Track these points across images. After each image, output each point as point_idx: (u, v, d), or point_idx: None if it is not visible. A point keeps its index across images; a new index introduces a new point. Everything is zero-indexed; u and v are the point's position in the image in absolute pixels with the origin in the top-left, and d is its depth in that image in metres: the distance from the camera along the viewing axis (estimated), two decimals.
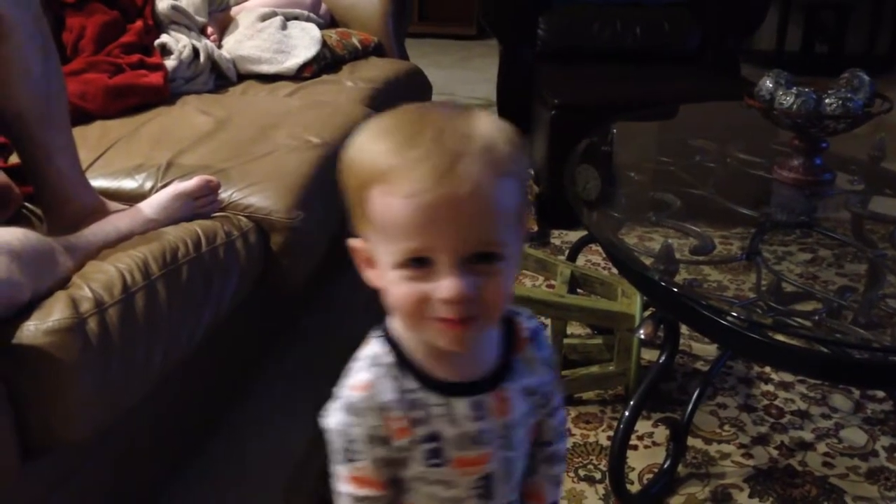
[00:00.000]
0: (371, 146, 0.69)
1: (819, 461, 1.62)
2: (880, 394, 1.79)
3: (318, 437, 1.67)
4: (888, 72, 4.63)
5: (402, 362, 0.76)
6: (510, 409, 0.78)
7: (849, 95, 1.67)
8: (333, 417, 0.77)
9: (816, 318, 1.53)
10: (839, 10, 4.71)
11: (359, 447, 0.75)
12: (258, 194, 1.60)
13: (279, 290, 1.70)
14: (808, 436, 1.69)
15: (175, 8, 2.27)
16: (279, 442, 1.68)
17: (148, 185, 1.63)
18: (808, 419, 1.74)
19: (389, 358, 0.76)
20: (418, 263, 0.68)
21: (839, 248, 1.94)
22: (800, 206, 1.80)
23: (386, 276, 0.71)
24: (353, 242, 0.75)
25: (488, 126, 0.70)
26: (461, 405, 0.76)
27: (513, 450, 0.80)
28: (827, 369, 1.41)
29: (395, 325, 0.78)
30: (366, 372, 0.76)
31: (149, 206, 1.47)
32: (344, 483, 0.77)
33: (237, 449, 1.65)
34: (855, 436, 1.70)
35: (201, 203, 1.52)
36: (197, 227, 1.46)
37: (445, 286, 0.67)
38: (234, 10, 2.49)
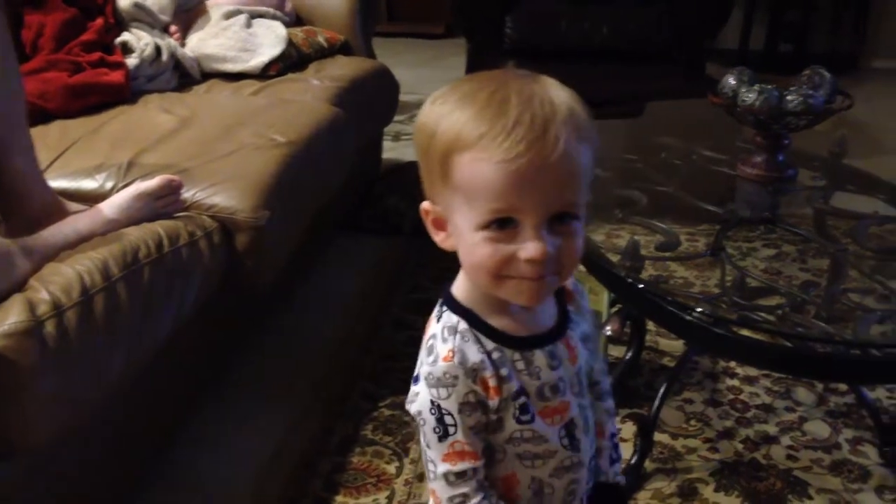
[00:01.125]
0: (457, 113, 0.71)
1: (783, 454, 1.64)
2: (843, 387, 1.81)
3: (287, 438, 1.66)
4: (851, 70, 4.69)
5: (477, 326, 0.78)
6: (577, 355, 0.83)
7: (810, 92, 1.69)
8: (423, 396, 0.77)
9: (780, 312, 1.54)
10: (803, 9, 4.76)
11: (454, 419, 0.76)
12: (222, 194, 1.59)
13: (245, 290, 1.69)
14: (772, 429, 1.71)
15: (137, 5, 2.24)
16: (247, 446, 1.66)
17: (109, 185, 1.61)
18: (773, 413, 1.76)
19: (463, 324, 0.78)
20: (503, 224, 0.71)
21: (802, 243, 1.95)
22: (763, 202, 1.82)
23: (467, 237, 0.74)
24: (425, 205, 0.78)
25: (566, 93, 0.74)
26: (538, 357, 0.79)
27: (584, 396, 0.84)
28: (790, 363, 1.43)
29: (459, 292, 0.80)
30: (447, 342, 0.77)
31: (109, 207, 1.44)
32: (440, 464, 0.77)
33: (205, 453, 1.64)
34: (818, 429, 1.72)
35: (163, 203, 1.50)
36: (159, 227, 1.44)
37: (531, 247, 0.70)
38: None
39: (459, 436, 0.76)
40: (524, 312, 0.79)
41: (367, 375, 1.87)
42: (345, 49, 2.60)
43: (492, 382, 0.76)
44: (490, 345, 0.77)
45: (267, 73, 2.28)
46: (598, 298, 1.81)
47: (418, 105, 3.04)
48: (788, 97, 1.68)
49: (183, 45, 2.32)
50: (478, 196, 0.71)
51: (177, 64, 2.23)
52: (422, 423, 0.77)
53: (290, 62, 2.35)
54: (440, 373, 0.76)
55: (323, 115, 2.02)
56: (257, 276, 1.64)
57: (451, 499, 0.77)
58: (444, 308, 0.80)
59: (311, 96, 2.15)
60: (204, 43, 2.32)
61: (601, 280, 1.61)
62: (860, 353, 1.45)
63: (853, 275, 1.68)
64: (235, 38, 2.31)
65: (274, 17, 2.50)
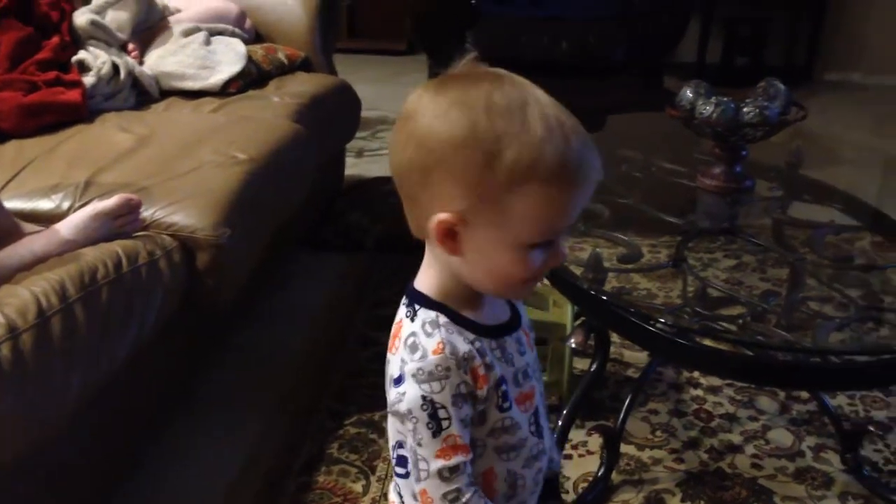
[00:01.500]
0: (524, 136, 0.71)
1: (748, 463, 1.65)
2: (805, 394, 1.84)
3: (251, 457, 1.64)
4: (805, 82, 4.79)
5: (454, 319, 0.79)
6: (532, 342, 0.88)
7: (765, 104, 1.72)
8: (412, 394, 0.76)
9: (741, 322, 1.56)
10: (757, 23, 4.86)
11: (448, 412, 0.75)
12: (182, 212, 1.57)
13: (206, 309, 1.67)
14: (736, 438, 1.72)
15: (94, 23, 2.22)
16: (212, 464, 1.64)
17: (65, 205, 1.58)
18: (736, 422, 1.77)
19: (443, 318, 0.78)
20: (547, 244, 0.75)
21: (762, 253, 1.98)
22: (722, 213, 1.84)
23: (501, 252, 0.74)
24: (446, 217, 0.74)
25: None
26: (510, 343, 0.82)
27: (540, 381, 0.87)
28: (752, 372, 1.44)
29: (430, 290, 0.80)
30: (432, 336, 0.77)
31: (66, 227, 1.42)
32: (434, 461, 0.76)
33: (171, 472, 1.61)
34: (781, 437, 1.73)
35: (121, 222, 1.48)
36: (117, 247, 1.42)
37: (562, 254, 0.76)
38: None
39: (453, 429, 0.76)
40: (488, 305, 0.82)
41: (331, 393, 1.85)
42: (305, 66, 2.60)
43: (481, 371, 0.78)
44: (471, 336, 0.79)
45: (227, 90, 2.27)
46: (562, 311, 1.82)
47: (380, 121, 3.06)
48: (745, 109, 1.70)
49: (141, 62, 2.29)
50: (540, 220, 0.73)
51: (135, 82, 2.20)
52: (413, 421, 0.76)
53: (250, 79, 2.34)
54: (432, 366, 0.75)
55: (284, 131, 2.01)
56: (218, 295, 1.62)
57: (444, 496, 0.76)
58: (418, 306, 0.80)
59: (271, 113, 2.14)
60: (163, 60, 2.29)
61: (565, 293, 1.61)
62: (820, 360, 1.47)
63: (811, 283, 1.70)
64: (195, 56, 2.29)
65: (233, 35, 2.48)
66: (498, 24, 3.11)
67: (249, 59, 2.36)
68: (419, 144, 0.73)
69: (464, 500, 0.76)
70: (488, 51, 3.06)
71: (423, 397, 0.75)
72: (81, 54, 2.15)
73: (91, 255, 1.37)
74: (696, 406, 1.82)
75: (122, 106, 2.13)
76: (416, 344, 0.77)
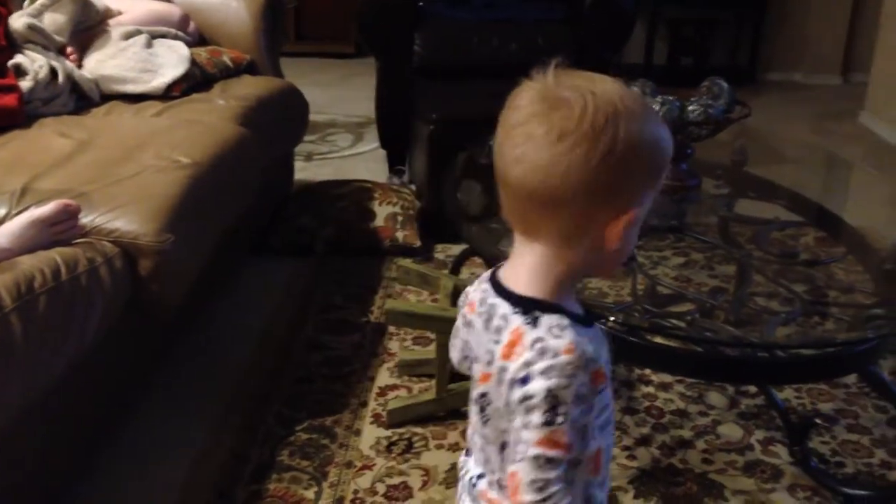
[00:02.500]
0: (660, 130, 0.79)
1: (699, 458, 1.66)
2: (753, 389, 1.86)
3: (200, 466, 1.61)
4: (749, 83, 4.88)
5: (571, 318, 0.79)
6: None
7: (710, 102, 1.74)
8: (539, 386, 0.75)
9: (690, 318, 1.57)
10: (702, 25, 4.94)
11: (566, 409, 0.76)
12: (123, 218, 1.53)
13: (151, 316, 1.63)
14: (687, 434, 1.74)
15: (31, 27, 2.15)
16: (159, 474, 1.60)
17: (1, 212, 1.53)
18: (687, 418, 1.79)
19: (565, 320, 0.79)
20: None
21: (710, 250, 2.01)
22: (670, 211, 1.86)
23: (635, 235, 0.81)
24: (632, 214, 0.78)
25: None
26: (601, 333, 0.84)
27: None
28: (702, 368, 1.46)
29: (543, 293, 0.80)
30: (561, 338, 0.77)
31: (1, 235, 1.38)
32: (534, 447, 0.76)
33: (117, 483, 1.57)
34: (731, 431, 1.75)
35: (60, 229, 1.44)
36: (56, 254, 1.38)
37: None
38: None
39: (565, 426, 0.75)
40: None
41: (281, 399, 1.83)
42: (251, 69, 2.56)
43: (604, 369, 0.79)
44: (587, 332, 0.80)
45: (170, 93, 2.22)
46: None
47: (330, 124, 3.04)
48: (690, 108, 1.72)
49: (80, 66, 2.24)
50: (652, 197, 0.80)
51: (74, 86, 2.15)
52: (529, 406, 0.76)
53: (193, 82, 2.30)
54: (562, 365, 0.75)
55: (229, 135, 1.98)
56: (163, 302, 1.59)
57: (533, 481, 0.76)
58: (538, 312, 0.79)
59: (216, 116, 2.10)
60: (102, 64, 2.24)
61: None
62: (767, 355, 1.49)
63: (758, 279, 1.73)
64: (136, 59, 2.24)
65: (176, 37, 2.44)
66: (447, 25, 3.10)
67: (193, 61, 2.32)
68: (625, 152, 0.75)
69: (550, 491, 0.76)
70: (437, 53, 3.07)
71: (549, 390, 0.75)
72: (18, 58, 2.09)
73: (28, 263, 1.32)
74: (647, 403, 1.83)
75: (61, 111, 2.08)
76: (544, 348, 0.77)
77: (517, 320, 0.79)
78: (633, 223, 0.79)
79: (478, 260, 2.31)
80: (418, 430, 1.73)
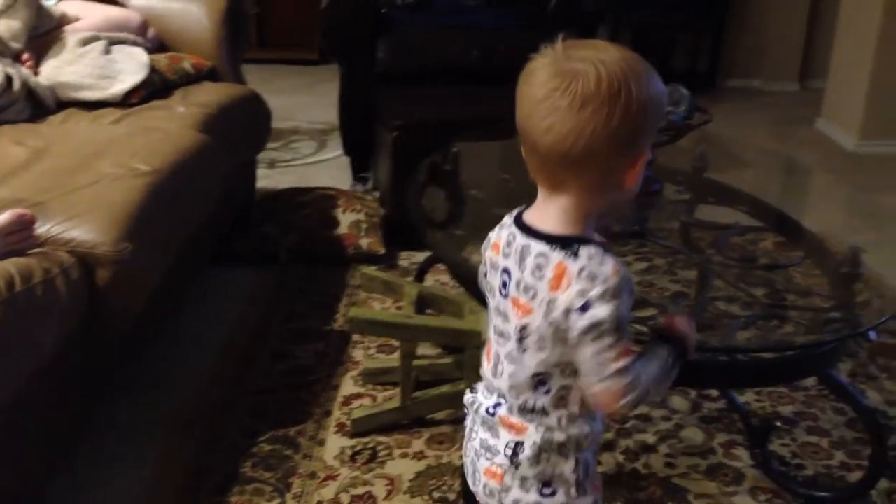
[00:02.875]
0: (661, 85, 0.90)
1: (662, 462, 1.68)
2: (715, 393, 1.87)
3: (162, 478, 1.58)
4: (709, 89, 4.94)
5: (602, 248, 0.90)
6: None
7: (670, 108, 1.75)
8: (600, 312, 0.87)
9: (652, 323, 1.58)
10: (664, 31, 4.99)
11: (624, 324, 0.88)
12: (80, 227, 1.51)
13: (109, 327, 1.60)
14: (650, 438, 1.75)
15: None
16: (119, 489, 1.57)
17: None
18: (650, 422, 1.80)
19: (600, 249, 0.89)
20: None
21: (671, 255, 2.02)
22: (632, 216, 1.86)
23: (641, 172, 0.92)
24: (646, 157, 0.92)
25: None
26: None
27: None
28: None
29: (576, 230, 0.91)
30: (605, 263, 0.88)
31: None
32: (612, 364, 0.89)
33: (74, 500, 1.54)
34: (693, 435, 1.77)
35: (14, 239, 1.42)
36: (10, 265, 1.36)
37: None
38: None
39: (627, 336, 0.89)
40: None
41: (244, 409, 1.81)
42: (212, 75, 2.54)
43: (634, 288, 0.91)
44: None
45: (128, 100, 2.19)
46: (478, 318, 1.81)
47: (292, 131, 3.01)
48: None
49: (36, 73, 2.20)
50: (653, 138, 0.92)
51: (30, 93, 2.11)
52: (597, 334, 0.87)
53: (153, 89, 2.27)
54: (615, 286, 0.87)
55: (189, 142, 1.96)
56: (122, 312, 1.56)
57: (623, 388, 0.90)
58: (576, 245, 0.89)
59: (176, 124, 2.08)
60: (59, 71, 2.21)
61: (479, 300, 1.61)
62: (728, 358, 1.51)
63: (719, 284, 1.74)
64: (93, 65, 2.21)
65: (135, 44, 2.41)
66: (409, 32, 3.10)
67: (152, 68, 2.29)
68: (638, 109, 0.86)
69: (637, 388, 0.91)
70: (400, 59, 3.05)
71: (612, 313, 0.87)
72: None
73: None
74: None
75: (17, 118, 2.04)
76: (592, 274, 0.87)
77: (557, 255, 0.89)
78: (643, 164, 0.92)
79: (442, 267, 2.31)
80: (383, 438, 1.72)
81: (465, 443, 1.05)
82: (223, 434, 1.73)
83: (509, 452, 0.96)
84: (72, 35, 2.32)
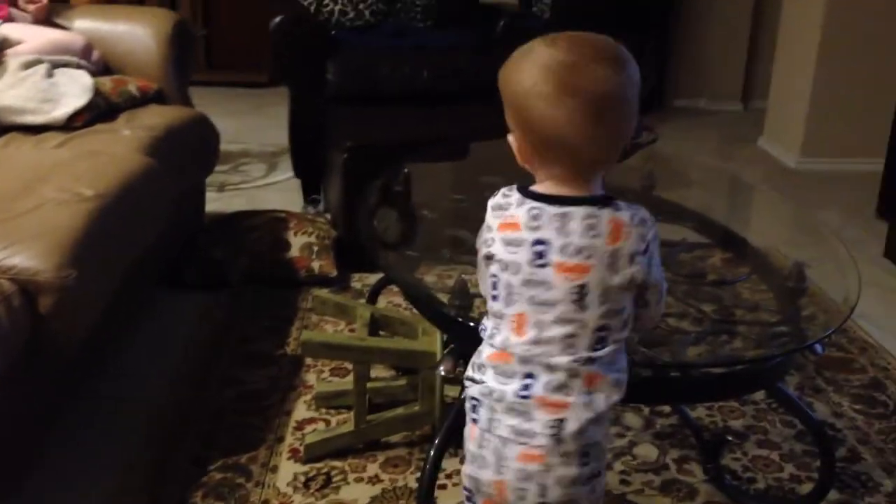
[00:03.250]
0: None
1: (617, 479, 1.68)
2: (667, 409, 1.89)
3: None
4: (656, 109, 5.02)
5: None
6: None
7: None
8: (656, 242, 1.03)
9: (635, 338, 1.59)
10: None
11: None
12: (22, 254, 1.47)
13: (54, 356, 1.56)
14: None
15: None
16: None
17: None
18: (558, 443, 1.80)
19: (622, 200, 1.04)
20: None
21: None
22: None
23: None
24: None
25: None
26: None
27: None
28: None
29: (601, 190, 1.04)
30: (639, 207, 1.03)
31: None
32: (663, 283, 1.07)
33: None
34: (647, 451, 1.78)
35: None
36: None
37: None
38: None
39: None
40: None
41: (194, 437, 1.77)
42: (159, 98, 2.50)
43: None
44: None
45: (72, 124, 2.15)
46: (432, 339, 1.81)
47: (242, 154, 2.98)
48: None
49: None
50: None
51: None
52: (657, 265, 1.03)
53: (97, 112, 2.23)
54: (653, 222, 1.03)
55: (135, 165, 1.93)
56: (66, 340, 1.52)
57: (663, 301, 1.09)
58: (614, 202, 1.01)
59: (121, 147, 2.05)
60: (1, 94, 2.16)
61: (432, 321, 1.60)
62: (680, 374, 1.52)
63: (669, 300, 1.76)
64: (36, 89, 2.16)
65: (78, 67, 2.37)
66: (359, 54, 3.10)
67: (97, 91, 2.25)
68: (632, 87, 1.00)
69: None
70: (350, 80, 3.05)
71: (659, 244, 1.03)
72: None
73: None
74: None
75: None
76: (642, 219, 1.01)
77: (607, 213, 0.99)
78: None
79: (394, 288, 2.30)
80: (337, 463, 1.70)
81: (475, 436, 1.05)
82: (173, 463, 1.69)
83: (551, 431, 0.99)
84: (13, 58, 2.27)
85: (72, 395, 1.84)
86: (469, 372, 1.07)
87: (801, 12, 3.99)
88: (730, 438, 1.81)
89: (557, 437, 0.99)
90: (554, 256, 0.99)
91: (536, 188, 1.03)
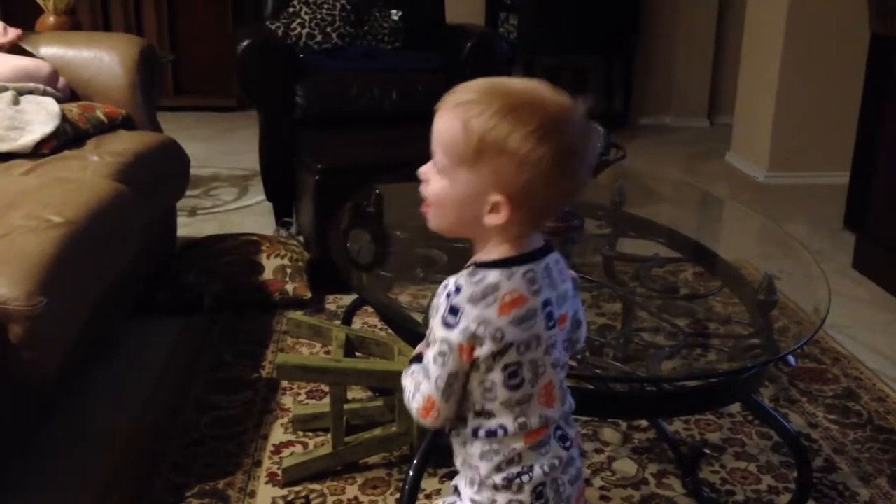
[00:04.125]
0: None
1: (597, 496, 1.68)
2: (645, 423, 1.90)
3: None
4: (624, 127, 5.08)
5: None
6: None
7: None
8: None
9: (580, 357, 1.59)
10: (576, 73, 5.13)
11: None
12: None
13: (23, 384, 1.54)
14: (584, 472, 1.75)
15: None
16: None
17: None
18: (584, 456, 1.80)
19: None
20: None
21: (596, 289, 2.05)
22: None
23: None
24: None
25: (472, 84, 0.92)
26: None
27: None
28: (594, 404, 1.47)
29: None
30: None
31: None
32: None
33: None
34: (626, 466, 1.78)
35: None
36: None
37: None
38: None
39: None
40: None
41: (169, 464, 1.74)
42: (127, 123, 2.49)
43: None
44: None
45: (39, 151, 2.13)
46: (408, 359, 1.80)
47: (213, 178, 2.97)
48: None
49: None
50: None
51: None
52: None
53: (65, 139, 2.21)
54: None
55: (104, 191, 1.91)
56: (36, 368, 1.50)
57: None
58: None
59: (90, 173, 2.03)
60: None
61: (407, 340, 1.60)
62: (655, 388, 1.53)
63: (643, 315, 1.78)
64: (2, 116, 2.14)
65: (45, 93, 2.35)
66: (327, 77, 3.11)
67: (64, 117, 2.23)
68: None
69: None
70: (319, 103, 3.05)
71: None
72: None
73: None
74: None
75: None
76: None
77: (557, 254, 0.97)
78: None
79: (369, 309, 2.30)
80: (315, 486, 1.69)
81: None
82: (147, 491, 1.66)
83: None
84: None
85: (43, 422, 1.81)
86: (499, 482, 0.96)
87: (763, 28, 4.07)
88: (707, 451, 1.82)
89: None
90: (557, 311, 0.94)
91: (502, 253, 0.92)
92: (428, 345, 0.95)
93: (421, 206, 0.97)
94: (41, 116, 2.19)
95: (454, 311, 0.90)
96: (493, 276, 0.91)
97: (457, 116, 0.89)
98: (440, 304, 0.92)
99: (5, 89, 2.24)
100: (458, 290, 0.91)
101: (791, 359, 1.49)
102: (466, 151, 0.88)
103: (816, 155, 4.00)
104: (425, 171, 0.95)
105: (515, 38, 5.02)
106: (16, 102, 2.22)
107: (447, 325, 0.91)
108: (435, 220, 0.96)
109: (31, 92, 2.32)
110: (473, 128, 0.87)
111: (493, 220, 0.90)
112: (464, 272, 0.92)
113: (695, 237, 2.08)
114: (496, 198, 0.88)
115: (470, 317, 0.90)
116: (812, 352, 2.28)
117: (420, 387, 0.96)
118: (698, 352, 1.68)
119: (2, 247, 1.55)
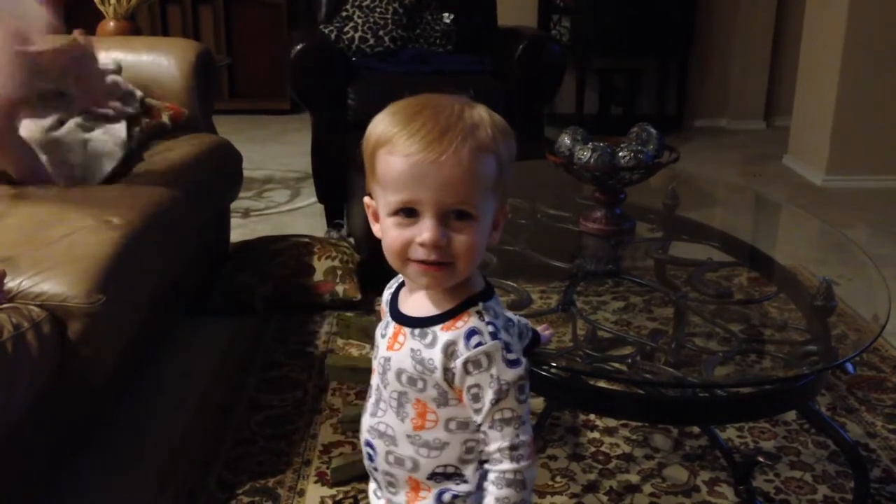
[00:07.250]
0: (383, 119, 0.87)
1: (646, 502, 1.66)
2: (696, 430, 1.87)
3: None
4: (676, 129, 5.02)
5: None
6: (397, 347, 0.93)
7: (639, 148, 1.77)
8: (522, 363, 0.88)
9: (630, 361, 1.58)
10: (630, 74, 5.08)
11: None
12: (51, 280, 1.49)
13: (83, 381, 1.58)
14: (634, 478, 1.73)
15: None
16: None
17: None
18: (633, 461, 1.79)
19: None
20: (407, 213, 0.85)
21: (647, 293, 2.04)
22: (606, 255, 1.87)
23: (383, 224, 0.87)
24: (366, 199, 0.92)
25: (479, 113, 0.87)
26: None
27: (385, 387, 0.94)
28: (644, 410, 1.45)
29: None
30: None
31: None
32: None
33: None
34: (677, 473, 1.76)
35: None
36: None
37: (426, 233, 0.84)
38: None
39: None
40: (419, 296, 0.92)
41: (221, 462, 1.77)
42: (187, 125, 2.53)
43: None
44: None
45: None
46: None
47: (266, 180, 3.01)
48: (620, 153, 1.75)
49: None
50: (389, 185, 0.85)
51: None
52: (523, 386, 0.89)
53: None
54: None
55: (162, 194, 1.95)
56: (95, 366, 1.53)
57: None
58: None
59: (149, 176, 2.07)
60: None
61: None
62: (707, 394, 1.51)
63: (695, 320, 1.75)
64: (74, 158, 2.10)
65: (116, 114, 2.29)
66: (378, 80, 3.13)
67: (130, 135, 2.21)
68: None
69: None
70: (370, 105, 3.05)
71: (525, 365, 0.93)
72: None
73: None
74: (593, 448, 1.83)
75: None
76: (499, 326, 0.92)
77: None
78: (373, 211, 0.92)
79: None
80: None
81: None
82: (201, 488, 1.69)
83: None
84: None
85: (100, 420, 1.85)
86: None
87: (823, 31, 3.98)
88: (761, 459, 1.78)
89: None
90: None
91: (479, 278, 0.92)
92: (483, 416, 0.87)
93: (441, 265, 0.86)
94: (108, 146, 2.17)
95: (508, 348, 0.87)
96: (497, 306, 0.91)
97: (479, 149, 0.84)
98: (479, 357, 0.85)
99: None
100: (493, 334, 0.86)
101: (849, 366, 1.46)
102: (497, 175, 0.87)
103: (876, 158, 3.90)
104: (443, 232, 0.84)
105: (568, 40, 4.99)
106: (85, 130, 2.18)
107: (514, 364, 0.87)
108: (468, 270, 0.87)
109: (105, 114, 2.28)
110: (499, 150, 0.86)
111: (495, 237, 0.90)
112: (473, 317, 0.87)
113: (750, 241, 2.04)
114: (503, 210, 0.90)
115: (517, 347, 0.89)
116: (871, 360, 2.22)
117: (520, 436, 0.88)
118: (752, 358, 1.65)
119: (63, 247, 1.59)
